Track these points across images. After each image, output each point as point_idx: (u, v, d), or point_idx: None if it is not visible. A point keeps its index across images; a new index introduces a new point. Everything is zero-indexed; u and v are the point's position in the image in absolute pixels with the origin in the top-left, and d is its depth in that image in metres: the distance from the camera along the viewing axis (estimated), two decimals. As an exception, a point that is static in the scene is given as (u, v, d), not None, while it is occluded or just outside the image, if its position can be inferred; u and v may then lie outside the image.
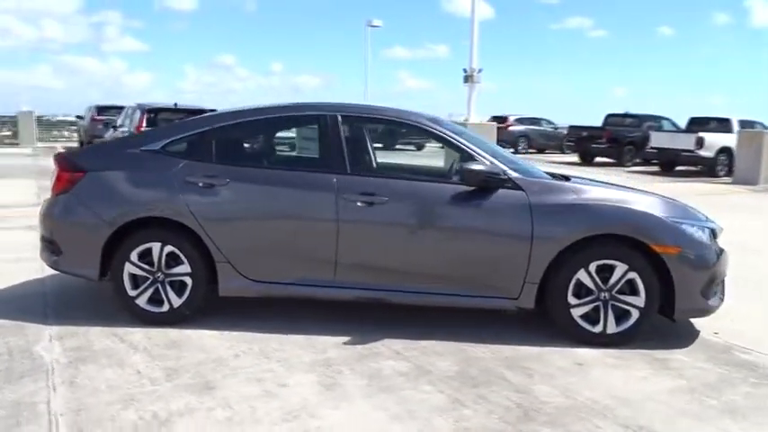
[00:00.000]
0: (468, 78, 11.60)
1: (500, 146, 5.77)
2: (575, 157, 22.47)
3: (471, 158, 4.23)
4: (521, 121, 26.72)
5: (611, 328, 4.14)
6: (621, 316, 4.14)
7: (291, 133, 4.48)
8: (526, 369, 3.77)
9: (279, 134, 4.70)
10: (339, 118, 4.35)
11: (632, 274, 4.08)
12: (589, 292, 4.13)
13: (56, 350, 3.85)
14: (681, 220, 4.20)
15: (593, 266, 4.10)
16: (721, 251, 4.34)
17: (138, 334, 4.13)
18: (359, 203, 4.14)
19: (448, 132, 4.42)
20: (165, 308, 4.28)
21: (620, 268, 4.09)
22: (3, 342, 3.93)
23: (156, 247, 4.24)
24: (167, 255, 4.24)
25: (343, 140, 4.30)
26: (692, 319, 4.56)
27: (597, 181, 5.04)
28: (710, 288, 4.21)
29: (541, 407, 3.30)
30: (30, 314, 4.41)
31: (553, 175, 4.98)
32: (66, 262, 4.38)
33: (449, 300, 4.23)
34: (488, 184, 4.09)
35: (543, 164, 13.73)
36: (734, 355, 4.13)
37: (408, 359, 3.87)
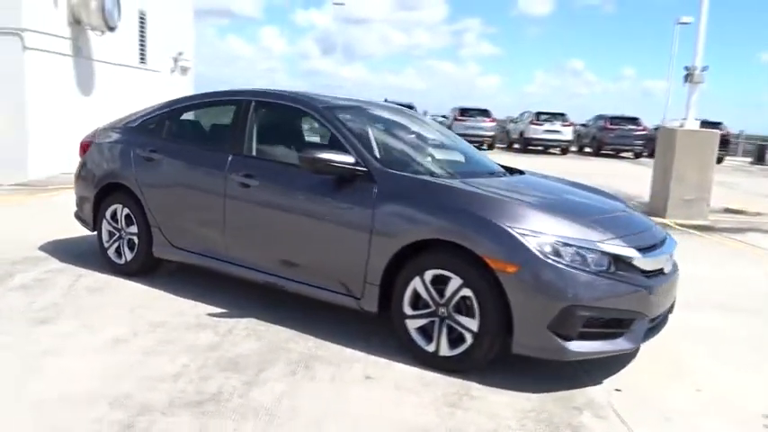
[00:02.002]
0: (688, 77, 9.93)
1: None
2: None
3: (339, 146, 4.09)
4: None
5: (444, 350, 3.60)
6: (457, 339, 3.57)
7: (224, 117, 4.87)
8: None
9: (207, 116, 5.12)
10: (252, 104, 4.62)
11: (467, 291, 3.50)
12: (426, 304, 3.67)
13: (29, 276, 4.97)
14: (538, 232, 3.42)
15: (428, 275, 3.62)
16: (624, 283, 3.43)
17: (89, 277, 5.03)
18: (239, 183, 4.37)
19: (327, 119, 4.29)
20: (122, 261, 5.10)
21: (455, 282, 3.54)
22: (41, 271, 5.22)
23: (119, 208, 5.10)
24: (125, 216, 5.06)
25: (248, 124, 4.56)
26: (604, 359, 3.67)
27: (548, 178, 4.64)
28: (571, 325, 3.34)
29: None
30: (67, 257, 5.65)
31: (509, 170, 4.77)
32: (78, 214, 5.52)
33: (306, 289, 4.16)
34: (330, 171, 3.92)
35: None
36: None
37: (218, 332, 3.99)
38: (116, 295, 4.64)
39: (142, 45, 14.19)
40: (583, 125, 28.05)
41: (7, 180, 9.49)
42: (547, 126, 24.47)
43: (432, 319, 3.64)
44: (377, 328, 4.10)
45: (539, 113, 24.92)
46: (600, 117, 25.93)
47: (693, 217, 9.44)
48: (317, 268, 4.09)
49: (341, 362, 3.67)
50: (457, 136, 5.34)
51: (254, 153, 4.48)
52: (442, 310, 3.59)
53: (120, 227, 5.10)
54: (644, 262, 3.58)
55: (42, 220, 7.03)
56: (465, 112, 25.16)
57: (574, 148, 26.77)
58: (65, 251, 5.68)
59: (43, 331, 3.87)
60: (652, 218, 5.04)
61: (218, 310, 4.40)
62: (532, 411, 3.22)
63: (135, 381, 3.27)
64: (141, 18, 14.07)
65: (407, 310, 3.71)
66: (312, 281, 4.11)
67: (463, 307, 3.52)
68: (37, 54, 10.26)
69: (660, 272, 3.74)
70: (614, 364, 3.80)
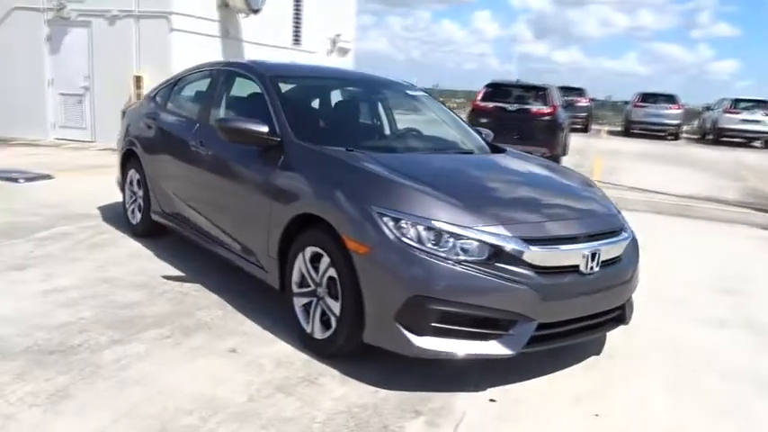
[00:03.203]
0: None
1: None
2: None
3: (264, 115, 3.97)
4: None
5: (317, 332, 3.38)
6: (327, 322, 3.34)
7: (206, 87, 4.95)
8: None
9: (198, 87, 5.18)
10: (219, 74, 4.67)
11: (333, 272, 3.24)
12: (307, 282, 3.47)
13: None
14: (401, 212, 3.03)
15: (308, 252, 3.42)
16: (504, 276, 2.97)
17: (105, 235, 5.50)
18: (195, 151, 4.46)
19: (265, 87, 4.15)
20: (135, 222, 5.50)
21: (325, 261, 3.30)
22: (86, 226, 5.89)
23: (132, 172, 5.49)
24: (137, 181, 5.44)
25: (214, 93, 4.63)
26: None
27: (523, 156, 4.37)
28: (419, 318, 2.95)
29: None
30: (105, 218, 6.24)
31: (494, 147, 4.55)
32: (117, 178, 6.04)
33: (232, 257, 4.15)
34: (244, 140, 3.82)
35: None
36: None
37: (151, 293, 4.13)
38: (105, 252, 5.01)
39: (297, 27, 14.96)
40: None
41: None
42: (745, 115, 21.03)
43: (311, 298, 3.44)
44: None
45: (737, 100, 21.58)
46: None
47: None
48: (237, 237, 4.07)
49: (226, 334, 3.62)
50: (450, 116, 4.88)
51: (210, 121, 4.52)
52: (320, 290, 3.37)
53: (134, 190, 5.49)
54: (537, 256, 3.03)
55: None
56: (647, 97, 22.78)
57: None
58: (113, 212, 6.23)
59: (8, 277, 4.32)
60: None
61: (178, 274, 4.56)
62: (360, 407, 2.91)
63: (22, 326, 3.52)
64: (297, 1, 14.82)
65: (294, 288, 3.55)
66: (235, 249, 4.08)
67: (332, 288, 3.27)
68: (182, 35, 11.31)
69: (572, 270, 3.14)
70: (523, 371, 3.29)
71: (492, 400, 3.07)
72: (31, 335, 3.43)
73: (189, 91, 5.15)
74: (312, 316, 3.40)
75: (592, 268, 3.19)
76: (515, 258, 3.00)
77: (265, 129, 3.78)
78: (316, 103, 4.36)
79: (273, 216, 3.63)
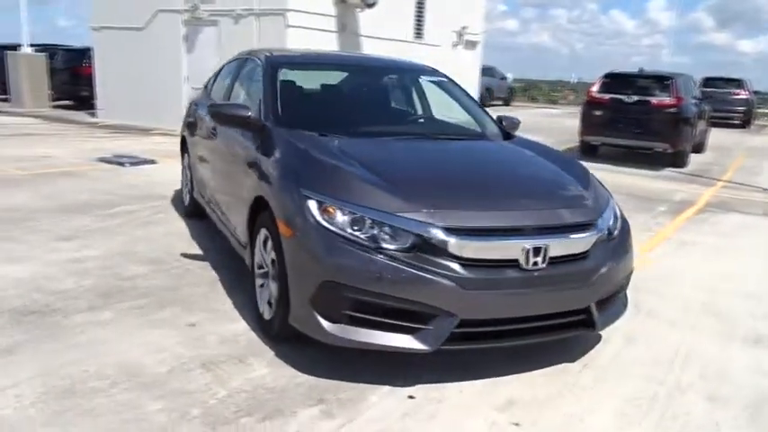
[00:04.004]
0: None
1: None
2: None
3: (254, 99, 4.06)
4: None
5: (267, 313, 3.40)
6: (270, 303, 3.35)
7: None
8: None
9: (227, 74, 5.26)
10: (244, 61, 4.82)
11: (273, 254, 3.25)
12: (261, 264, 3.51)
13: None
14: (327, 196, 2.95)
15: (262, 234, 3.45)
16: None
17: (162, 214, 5.91)
18: (211, 134, 4.66)
19: (264, 72, 4.20)
20: (186, 203, 5.87)
21: (269, 243, 3.32)
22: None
23: (185, 156, 5.85)
24: (187, 164, 5.78)
25: (237, 79, 4.79)
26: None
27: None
28: (332, 305, 2.87)
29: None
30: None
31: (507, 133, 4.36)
32: (184, 163, 6.45)
33: (228, 236, 4.29)
34: (230, 123, 3.94)
35: None
36: None
37: (159, 268, 4.38)
38: (147, 230, 5.38)
39: (419, 20, 14.96)
40: None
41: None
42: None
43: (264, 280, 3.46)
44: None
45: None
46: None
47: None
48: (229, 217, 4.20)
49: (198, 309, 3.75)
50: (467, 103, 4.64)
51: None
52: (272, 272, 3.39)
53: (186, 173, 5.84)
54: (464, 247, 2.81)
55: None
56: (709, 82, 20.28)
57: None
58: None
59: (52, 245, 4.79)
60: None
61: (196, 253, 4.80)
62: (268, 389, 2.89)
63: (26, 288, 3.90)
64: (420, -5, 14.83)
65: (255, 268, 3.59)
66: (230, 229, 4.21)
67: (276, 270, 3.27)
68: (297, 31, 11.79)
69: (510, 265, 2.87)
70: (472, 369, 3.09)
71: (411, 397, 2.90)
72: (28, 296, 3.79)
73: (221, 79, 5.37)
74: (260, 297, 3.43)
75: (536, 264, 2.90)
76: (439, 249, 2.81)
77: (248, 113, 3.85)
78: (311, 90, 4.36)
79: (245, 198, 3.70)
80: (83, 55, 16.13)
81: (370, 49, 13.23)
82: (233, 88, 4.79)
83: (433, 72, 4.87)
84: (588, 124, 11.50)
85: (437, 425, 2.71)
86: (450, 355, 3.14)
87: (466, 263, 2.82)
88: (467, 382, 3.06)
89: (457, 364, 3.18)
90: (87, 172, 7.86)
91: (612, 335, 3.70)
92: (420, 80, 4.81)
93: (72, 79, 16.61)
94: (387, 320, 2.84)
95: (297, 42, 11.67)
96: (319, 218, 2.90)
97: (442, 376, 3.08)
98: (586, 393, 3.04)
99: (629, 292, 3.82)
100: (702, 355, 3.54)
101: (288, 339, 3.25)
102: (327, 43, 12.41)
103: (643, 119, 10.78)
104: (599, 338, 3.64)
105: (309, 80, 4.48)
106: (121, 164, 8.44)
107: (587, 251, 3.09)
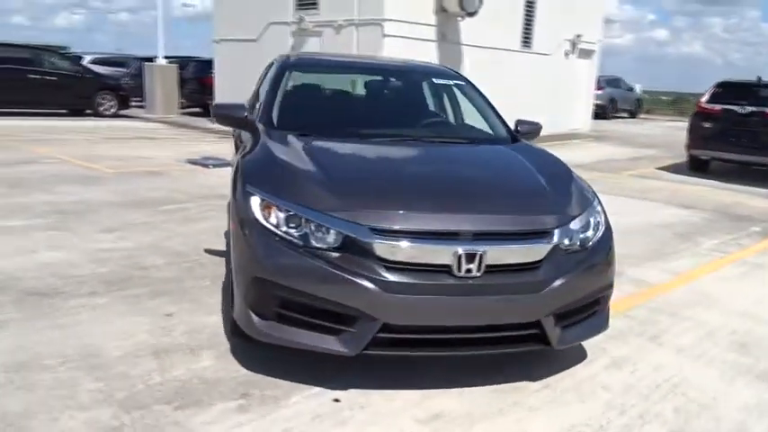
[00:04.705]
0: None
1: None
2: None
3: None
4: None
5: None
6: (235, 299, 3.41)
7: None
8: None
9: (262, 78, 5.36)
10: (269, 66, 4.95)
11: (233, 250, 3.32)
12: (234, 259, 3.59)
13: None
14: (267, 194, 2.96)
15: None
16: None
17: (216, 211, 6.20)
18: (239, 133, 4.82)
19: (275, 74, 4.30)
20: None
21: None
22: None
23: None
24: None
25: (260, 83, 4.93)
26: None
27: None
28: (262, 302, 2.87)
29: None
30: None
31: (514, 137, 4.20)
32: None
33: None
34: (227, 124, 4.06)
35: None
36: None
37: (175, 261, 4.60)
38: (188, 226, 5.66)
39: (527, 28, 14.58)
40: None
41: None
42: None
43: (234, 275, 3.53)
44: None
45: None
46: None
47: None
48: None
49: (184, 301, 3.90)
50: (482, 106, 4.45)
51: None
52: (234, 267, 3.46)
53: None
54: (388, 249, 2.71)
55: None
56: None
57: None
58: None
59: (94, 236, 5.19)
60: None
61: (220, 249, 4.99)
62: (201, 380, 2.95)
63: (47, 271, 4.25)
64: (529, 2, 14.45)
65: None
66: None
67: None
68: (393, 40, 11.92)
69: (441, 271, 2.73)
70: (415, 380, 2.98)
71: (336, 400, 2.84)
72: (44, 279, 4.12)
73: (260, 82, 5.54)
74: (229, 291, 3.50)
75: (469, 271, 2.73)
76: (365, 250, 2.73)
77: (244, 114, 3.95)
78: (315, 92, 4.38)
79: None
80: (209, 66, 17.29)
81: (472, 58, 13.10)
82: (258, 92, 4.94)
83: (449, 74, 4.74)
84: (696, 137, 10.61)
85: (343, 431, 2.62)
86: (409, 361, 3.08)
87: (392, 265, 2.72)
88: (405, 391, 2.94)
89: (406, 371, 3.06)
90: (170, 172, 8.42)
91: (600, 356, 3.41)
92: (433, 82, 4.70)
93: (200, 88, 17.84)
94: (313, 320, 2.80)
95: (394, 52, 11.79)
96: (258, 215, 2.92)
97: (383, 382, 2.99)
98: (529, 414, 2.81)
99: (641, 312, 3.49)
100: (695, 387, 3.15)
101: (244, 335, 3.28)
102: (426, 53, 12.42)
103: (758, 132, 9.79)
104: (582, 358, 3.36)
105: (322, 83, 4.52)
106: (206, 165, 8.94)
107: (539, 261, 2.86)
